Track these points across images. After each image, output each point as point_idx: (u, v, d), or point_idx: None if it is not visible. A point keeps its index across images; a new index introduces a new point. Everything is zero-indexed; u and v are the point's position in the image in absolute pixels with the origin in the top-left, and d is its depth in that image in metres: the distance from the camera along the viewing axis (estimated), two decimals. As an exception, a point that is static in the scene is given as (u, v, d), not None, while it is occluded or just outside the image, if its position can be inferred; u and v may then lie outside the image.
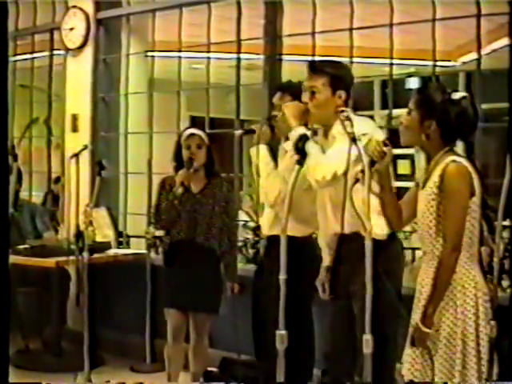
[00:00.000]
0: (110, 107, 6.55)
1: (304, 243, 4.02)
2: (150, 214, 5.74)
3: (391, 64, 5.11)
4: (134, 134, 6.46)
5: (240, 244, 5.46)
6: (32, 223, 6.28)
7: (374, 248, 3.18)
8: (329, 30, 5.40)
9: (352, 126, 3.20)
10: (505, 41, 6.07)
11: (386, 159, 3.13)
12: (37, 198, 7.19)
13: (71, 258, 5.04)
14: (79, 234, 4.88)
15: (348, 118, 3.22)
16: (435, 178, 3.09)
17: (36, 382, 5.01)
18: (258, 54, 5.74)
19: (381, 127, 4.27)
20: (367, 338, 3.07)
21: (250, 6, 5.71)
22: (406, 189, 3.37)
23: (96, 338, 5.29)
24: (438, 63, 5.18)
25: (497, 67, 4.63)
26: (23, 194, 6.61)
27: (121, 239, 6.31)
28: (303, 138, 3.36)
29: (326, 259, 3.81)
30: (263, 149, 3.95)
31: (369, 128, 3.50)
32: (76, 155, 5.07)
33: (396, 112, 4.80)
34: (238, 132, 4.45)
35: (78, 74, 6.58)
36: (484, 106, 4.36)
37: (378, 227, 3.42)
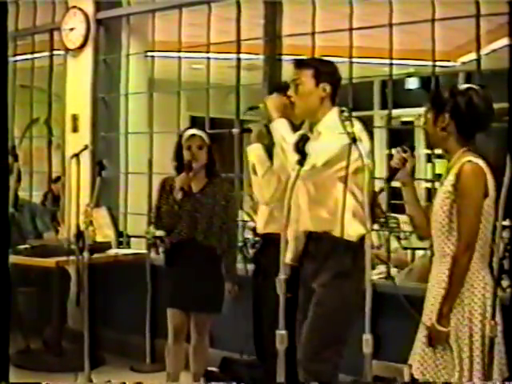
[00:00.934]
0: (110, 107, 6.55)
1: None
2: (150, 214, 5.76)
3: (391, 64, 5.11)
4: (134, 134, 6.46)
5: (240, 244, 5.46)
6: (32, 223, 6.29)
7: (343, 248, 3.34)
8: (328, 30, 5.39)
9: (352, 126, 3.20)
10: (504, 41, 6.09)
11: (407, 166, 3.17)
12: (37, 197, 7.20)
13: (71, 257, 5.04)
14: (79, 234, 4.87)
15: (348, 118, 3.23)
16: (451, 176, 3.12)
17: (36, 381, 5.01)
18: (257, 54, 5.75)
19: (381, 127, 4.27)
20: (367, 337, 3.07)
21: (249, 6, 5.72)
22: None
23: (96, 337, 5.29)
24: (438, 63, 5.18)
25: (496, 67, 4.64)
26: (23, 194, 6.62)
27: (121, 239, 6.31)
28: (303, 138, 3.36)
29: (289, 256, 3.68)
30: (259, 148, 3.96)
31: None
32: (76, 155, 5.07)
33: (396, 112, 4.80)
34: (236, 131, 4.48)
35: (78, 74, 6.58)
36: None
37: (351, 228, 3.46)
